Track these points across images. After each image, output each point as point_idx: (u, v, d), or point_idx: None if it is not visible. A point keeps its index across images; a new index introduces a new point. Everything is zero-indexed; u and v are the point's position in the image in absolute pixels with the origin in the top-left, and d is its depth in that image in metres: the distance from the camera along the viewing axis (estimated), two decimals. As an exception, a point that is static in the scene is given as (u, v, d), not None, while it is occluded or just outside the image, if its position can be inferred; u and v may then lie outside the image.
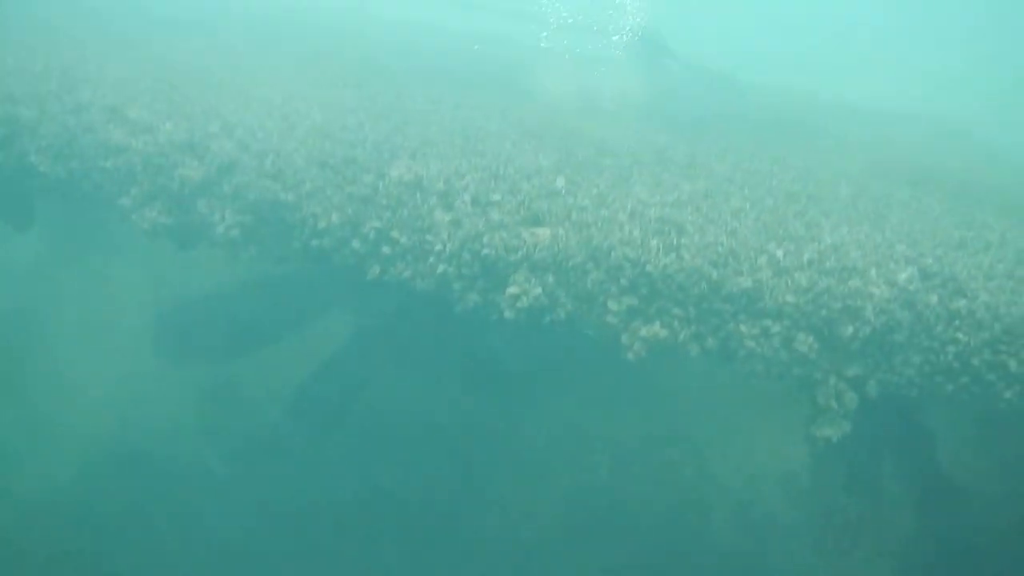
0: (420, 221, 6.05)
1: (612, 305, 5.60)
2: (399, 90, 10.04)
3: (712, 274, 5.54)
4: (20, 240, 8.94)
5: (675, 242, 5.78)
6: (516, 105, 10.55)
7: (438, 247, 5.90)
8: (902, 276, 5.71)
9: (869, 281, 5.61)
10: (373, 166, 6.65)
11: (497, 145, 7.79)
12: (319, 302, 8.91)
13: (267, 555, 8.32)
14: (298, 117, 7.78)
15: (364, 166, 6.65)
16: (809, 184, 8.23)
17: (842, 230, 6.64)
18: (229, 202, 6.53)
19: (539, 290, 5.62)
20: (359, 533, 8.50)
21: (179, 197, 6.67)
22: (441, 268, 5.87)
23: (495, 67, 14.70)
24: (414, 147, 7.21)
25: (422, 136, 7.66)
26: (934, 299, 5.61)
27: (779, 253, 5.83)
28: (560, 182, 6.73)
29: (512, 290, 5.63)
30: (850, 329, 5.41)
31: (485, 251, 5.77)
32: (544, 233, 5.84)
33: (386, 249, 6.07)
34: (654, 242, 5.73)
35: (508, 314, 5.64)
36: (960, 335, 5.50)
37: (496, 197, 6.23)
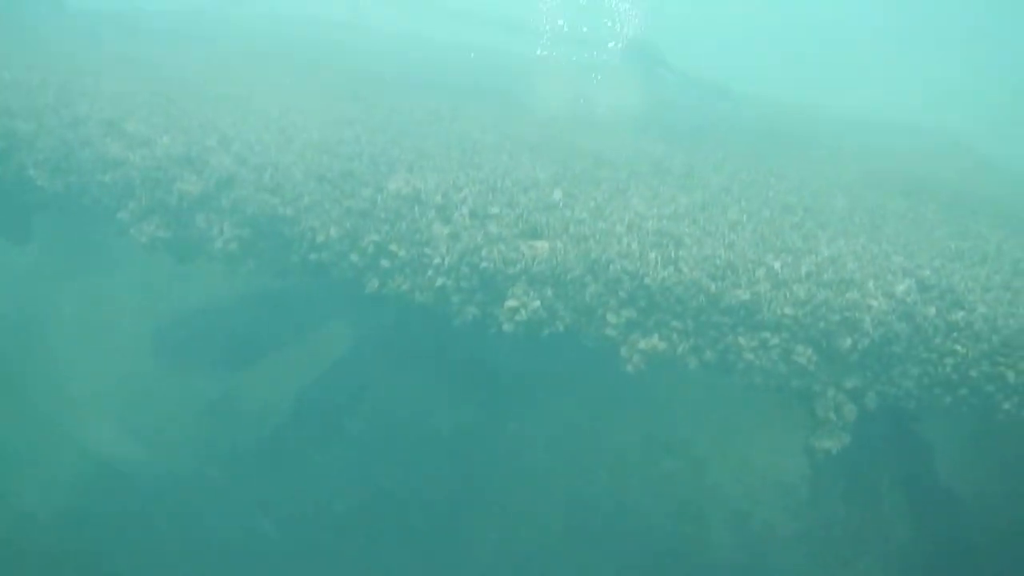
0: (418, 234, 6.04)
1: (611, 318, 5.59)
2: (395, 102, 10.06)
3: (710, 287, 5.54)
4: (18, 254, 8.91)
5: (673, 255, 5.78)
6: (512, 116, 10.59)
7: (436, 260, 5.88)
8: (900, 288, 5.72)
9: (867, 293, 5.62)
10: (371, 179, 6.65)
11: (494, 157, 7.80)
12: (318, 316, 8.90)
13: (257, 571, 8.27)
14: (295, 130, 7.79)
15: (362, 180, 6.66)
16: (805, 195, 8.26)
17: (839, 242, 6.66)
18: (227, 216, 6.52)
19: (538, 303, 5.61)
20: (355, 547, 8.46)
21: (177, 211, 6.64)
22: (440, 281, 5.85)
23: (491, 78, 14.77)
24: (411, 160, 7.22)
25: (419, 149, 7.67)
26: (932, 311, 5.62)
27: (777, 265, 5.84)
28: (557, 195, 6.74)
29: (511, 303, 5.62)
30: (848, 341, 5.41)
31: (483, 264, 5.76)
32: (542, 246, 5.84)
33: (385, 262, 6.05)
34: (652, 255, 5.73)
35: (507, 327, 5.61)
36: (958, 347, 5.50)
37: (494, 210, 6.23)
